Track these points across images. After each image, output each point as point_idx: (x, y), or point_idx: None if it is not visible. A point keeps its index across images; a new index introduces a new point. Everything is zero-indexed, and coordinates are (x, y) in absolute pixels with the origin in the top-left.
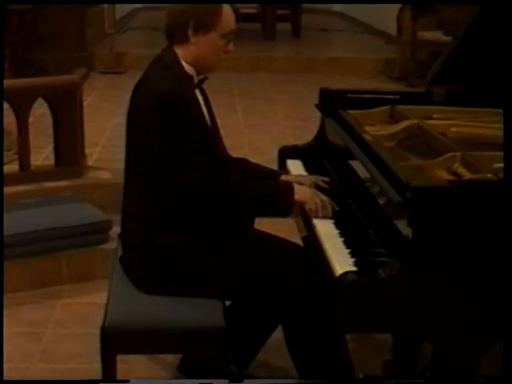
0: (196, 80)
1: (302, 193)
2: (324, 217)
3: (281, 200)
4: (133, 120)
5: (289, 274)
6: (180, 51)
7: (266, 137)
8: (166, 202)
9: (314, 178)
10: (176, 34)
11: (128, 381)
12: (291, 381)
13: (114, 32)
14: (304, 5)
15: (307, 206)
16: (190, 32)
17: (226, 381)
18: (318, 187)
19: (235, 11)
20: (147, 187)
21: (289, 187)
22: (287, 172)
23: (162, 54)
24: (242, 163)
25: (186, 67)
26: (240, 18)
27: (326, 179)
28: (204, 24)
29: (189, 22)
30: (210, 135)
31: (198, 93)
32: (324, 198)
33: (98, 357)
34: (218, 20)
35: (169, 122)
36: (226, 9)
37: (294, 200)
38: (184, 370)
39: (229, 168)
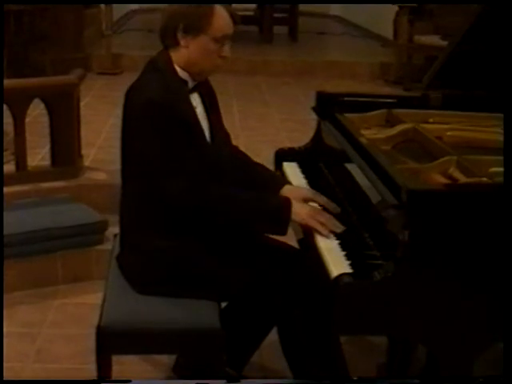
0: (191, 85)
1: (300, 214)
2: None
3: (276, 220)
4: (125, 124)
5: (284, 277)
6: (173, 55)
7: (262, 139)
8: (160, 204)
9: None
10: (167, 37)
11: (130, 380)
12: (287, 381)
13: (111, 33)
14: (301, 8)
15: (310, 226)
16: (179, 35)
17: (223, 381)
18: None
19: (232, 15)
20: (141, 189)
21: (286, 206)
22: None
23: (156, 58)
24: (246, 170)
25: (180, 72)
26: (238, 21)
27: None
28: (193, 27)
29: (178, 24)
30: (201, 142)
31: (195, 97)
32: (327, 215)
33: (93, 357)
34: (208, 23)
35: (153, 129)
36: (220, 12)
37: (289, 221)
38: (179, 371)
39: (220, 176)
